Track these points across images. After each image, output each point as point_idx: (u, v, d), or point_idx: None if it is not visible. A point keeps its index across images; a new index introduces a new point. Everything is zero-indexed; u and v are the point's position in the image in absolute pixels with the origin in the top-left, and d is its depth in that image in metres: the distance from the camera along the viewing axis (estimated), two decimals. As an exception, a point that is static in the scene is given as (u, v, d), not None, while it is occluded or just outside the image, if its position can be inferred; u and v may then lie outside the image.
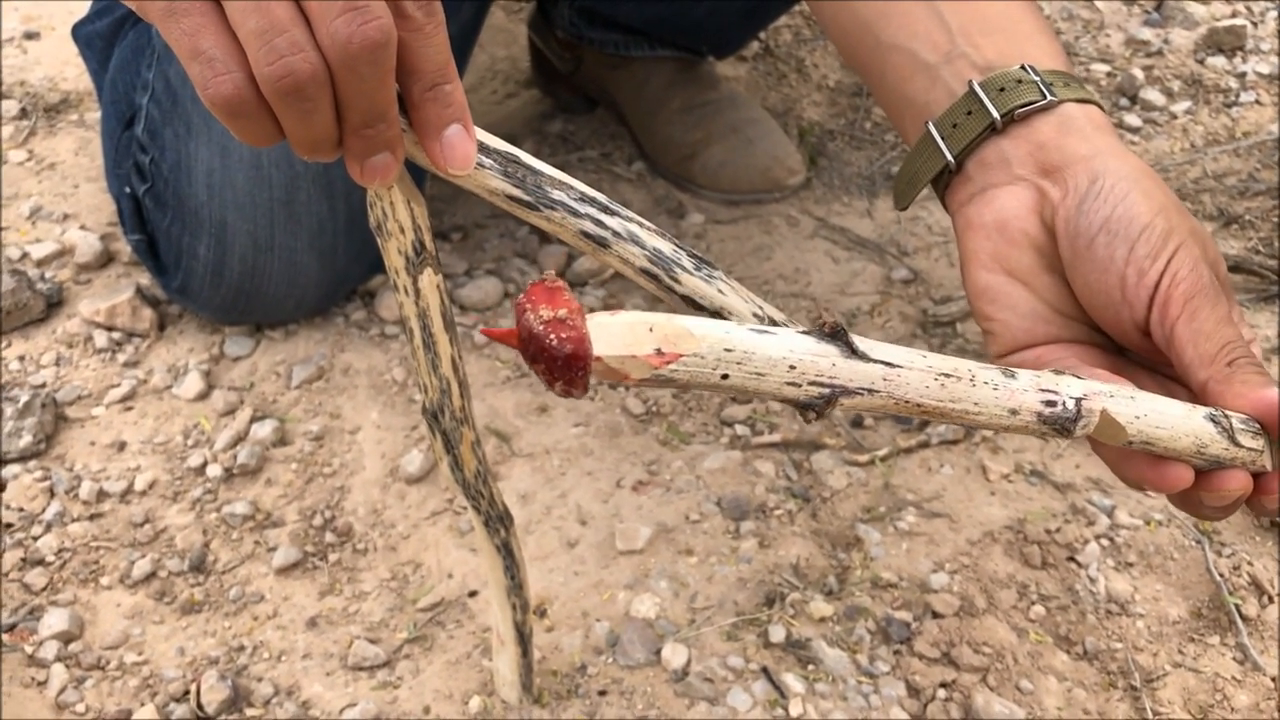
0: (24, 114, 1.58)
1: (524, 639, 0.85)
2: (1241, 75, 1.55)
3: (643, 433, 1.13)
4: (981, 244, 0.71)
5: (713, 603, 0.98)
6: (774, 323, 0.64)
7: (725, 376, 0.45)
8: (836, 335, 0.48)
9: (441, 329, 0.67)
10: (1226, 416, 0.58)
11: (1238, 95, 1.52)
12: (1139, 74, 1.57)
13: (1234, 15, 1.63)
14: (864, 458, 1.10)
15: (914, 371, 0.49)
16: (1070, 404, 0.53)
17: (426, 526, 1.05)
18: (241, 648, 0.96)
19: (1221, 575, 0.99)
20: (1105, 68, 1.62)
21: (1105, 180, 0.66)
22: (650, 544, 1.02)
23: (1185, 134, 1.50)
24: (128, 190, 1.23)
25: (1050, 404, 0.52)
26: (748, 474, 1.08)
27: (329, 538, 1.04)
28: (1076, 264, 0.66)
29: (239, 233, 1.16)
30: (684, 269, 0.60)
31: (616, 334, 0.43)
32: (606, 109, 1.58)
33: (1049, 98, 0.70)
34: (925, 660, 0.93)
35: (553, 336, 0.41)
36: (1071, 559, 1.00)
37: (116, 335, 1.24)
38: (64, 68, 1.68)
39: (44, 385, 1.18)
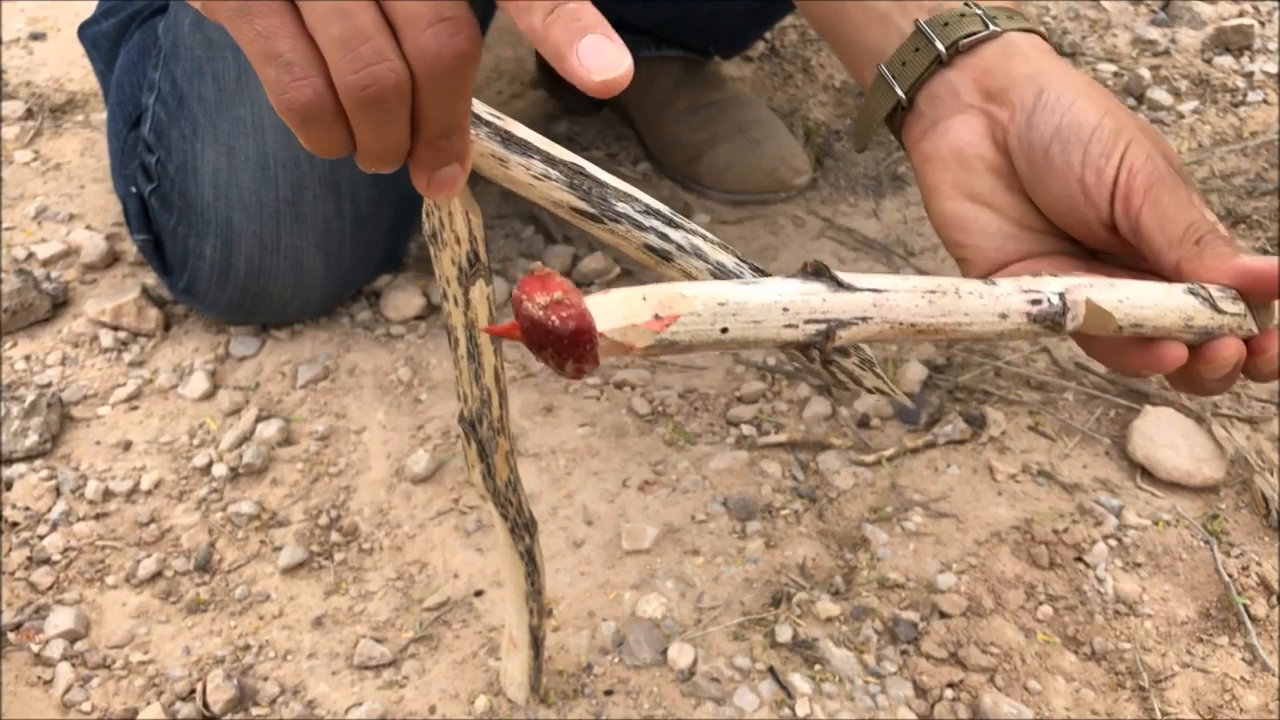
0: (30, 114, 1.58)
1: (538, 643, 0.86)
2: (1249, 75, 1.55)
3: (649, 433, 1.13)
4: (941, 175, 0.72)
5: (719, 603, 0.97)
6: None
7: (725, 330, 0.45)
8: (819, 273, 0.49)
9: (487, 340, 0.67)
10: (1204, 288, 0.59)
11: (1245, 95, 1.52)
12: (1146, 74, 1.56)
13: (1241, 15, 1.62)
14: (870, 458, 1.09)
15: (901, 293, 0.50)
16: (1055, 299, 0.54)
17: (432, 526, 1.05)
18: (247, 647, 0.95)
19: (1230, 576, 0.98)
20: (1112, 67, 1.61)
21: (1050, 93, 0.68)
22: (656, 544, 1.02)
23: (1193, 134, 1.49)
24: (134, 190, 1.23)
25: (1036, 302, 0.53)
26: (754, 474, 1.08)
27: (335, 537, 1.04)
28: (1035, 177, 0.68)
29: (245, 233, 1.16)
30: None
31: (614, 308, 0.44)
32: (612, 110, 1.58)
33: (992, 28, 0.72)
34: (932, 660, 0.93)
35: (554, 318, 0.42)
36: (1079, 559, 1.00)
37: (122, 335, 1.24)
38: (70, 69, 1.68)
39: (49, 385, 1.18)
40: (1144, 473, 1.07)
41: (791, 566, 1.00)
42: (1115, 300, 0.56)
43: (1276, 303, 0.62)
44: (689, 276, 0.60)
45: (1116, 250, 0.68)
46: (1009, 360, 1.18)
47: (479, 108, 0.58)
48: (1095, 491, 1.06)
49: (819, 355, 0.61)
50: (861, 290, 0.49)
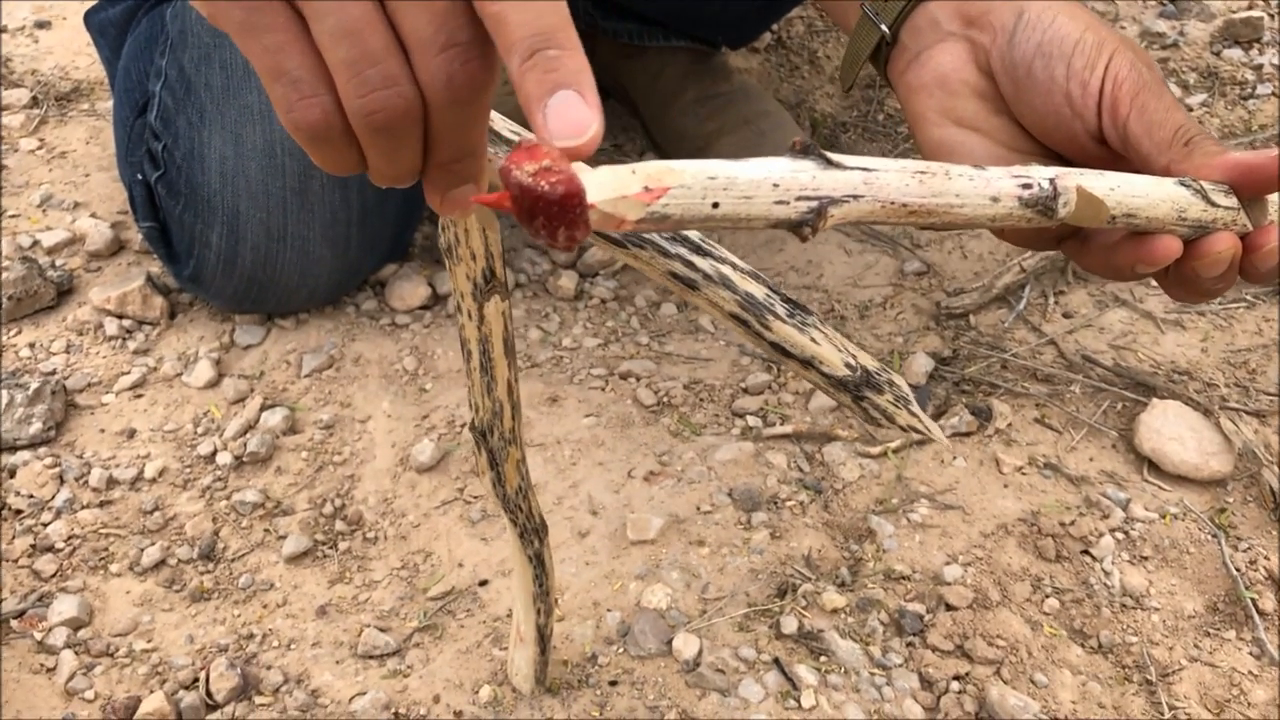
0: (35, 102, 1.58)
1: (544, 640, 0.85)
2: (1258, 67, 1.54)
3: (654, 424, 1.13)
4: (926, 103, 0.74)
5: (725, 593, 0.97)
6: (867, 371, 0.63)
7: (716, 205, 0.45)
8: (808, 151, 0.48)
9: (502, 354, 0.67)
10: (1196, 181, 0.60)
11: (1254, 87, 1.51)
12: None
13: (1251, 7, 1.61)
14: (876, 449, 1.09)
15: (891, 173, 0.49)
16: (1045, 184, 0.54)
17: (437, 516, 1.04)
18: (251, 636, 0.95)
19: (1238, 569, 0.98)
20: (1120, 61, 1.60)
21: (1029, 13, 0.69)
22: (662, 534, 1.02)
23: (1201, 126, 1.48)
24: (140, 177, 1.23)
25: (1026, 186, 0.53)
26: (760, 465, 1.08)
27: (339, 526, 1.04)
28: (1020, 96, 0.69)
29: (252, 221, 1.16)
30: (776, 315, 0.60)
31: (604, 180, 0.43)
32: (619, 100, 1.58)
33: None
34: (939, 653, 0.92)
35: (543, 184, 0.41)
36: (1086, 552, 0.99)
37: (127, 323, 1.24)
38: (75, 57, 1.67)
39: (54, 372, 1.17)
40: (1151, 466, 1.07)
41: (797, 558, 1.00)
42: (1106, 188, 0.56)
43: (1271, 200, 0.62)
44: (715, 305, 0.60)
45: (1105, 164, 0.67)
46: (1015, 353, 1.18)
47: (499, 123, 0.58)
48: (1102, 484, 1.05)
49: (850, 392, 0.60)
50: (851, 169, 0.48)
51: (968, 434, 1.10)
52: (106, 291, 1.26)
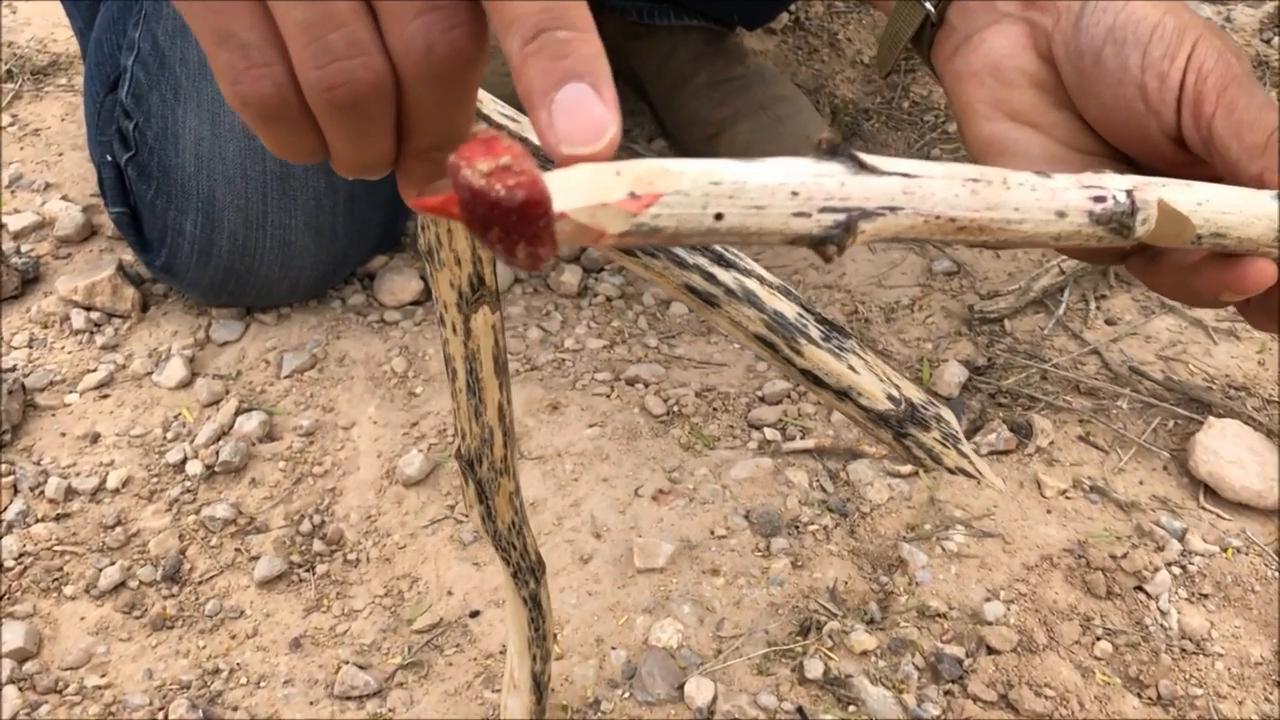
0: (10, 76, 1.48)
1: (540, 687, 0.76)
2: (1309, 58, 1.45)
3: (663, 435, 1.03)
4: (976, 93, 0.63)
5: (742, 631, 0.88)
6: (912, 405, 0.54)
7: (719, 216, 0.37)
8: (836, 151, 0.39)
9: (491, 374, 0.58)
10: None
11: (1307, 79, 1.42)
12: (1199, 55, 1.46)
13: (1301, -6, 1.52)
14: (906, 468, 1.00)
15: (937, 180, 0.41)
16: (1121, 196, 0.45)
17: (425, 536, 0.95)
18: (217, 671, 0.86)
19: (1306, 610, 0.89)
20: (1161, 48, 1.51)
21: None
22: (672, 562, 0.92)
23: None
24: (109, 159, 1.13)
25: (1099, 199, 0.44)
26: (779, 484, 0.99)
27: (317, 546, 0.94)
28: (1086, 87, 0.59)
29: (229, 208, 1.07)
30: (809, 338, 0.51)
31: (579, 184, 0.35)
32: (626, 82, 1.48)
33: None
34: (980, 703, 0.83)
35: (499, 186, 0.33)
36: (1140, 589, 0.90)
37: (95, 315, 1.14)
38: (54, 29, 1.58)
39: (14, 369, 1.08)
40: (1208, 491, 0.98)
41: (821, 590, 0.91)
42: (1193, 202, 0.47)
43: None
44: (737, 325, 0.51)
45: (1182, 168, 0.58)
46: (1056, 363, 1.08)
47: (489, 105, 0.49)
48: (1154, 511, 0.96)
49: (892, 428, 0.52)
50: (889, 174, 0.40)
51: (1006, 452, 1.01)
52: (74, 281, 1.16)
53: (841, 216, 0.39)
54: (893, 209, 0.40)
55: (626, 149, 1.39)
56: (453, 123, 0.41)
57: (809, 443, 1.02)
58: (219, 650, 0.88)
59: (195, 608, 0.91)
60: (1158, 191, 0.47)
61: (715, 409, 1.06)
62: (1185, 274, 0.54)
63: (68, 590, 0.91)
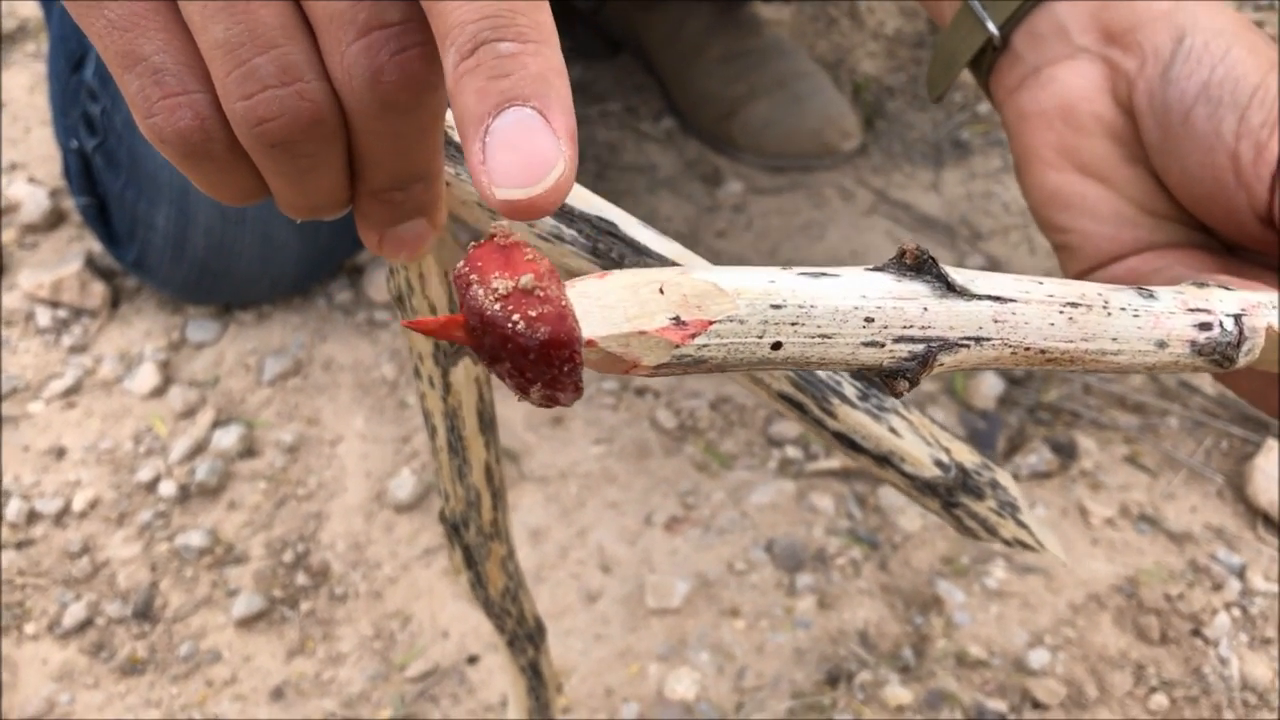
0: (-28, 43, 1.39)
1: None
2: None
3: (676, 453, 0.95)
4: (1043, 137, 0.55)
5: (765, 681, 0.81)
6: (964, 471, 0.47)
7: (777, 346, 0.31)
8: (923, 267, 0.33)
9: (476, 431, 0.50)
10: None
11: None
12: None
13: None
14: (940, 492, 0.92)
15: (1032, 305, 0.35)
16: (1229, 324, 0.39)
17: (418, 568, 0.87)
18: (190, 725, 0.79)
19: (1377, 657, 0.82)
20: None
21: (1195, 37, 0.51)
22: (688, 602, 0.85)
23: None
24: (75, 145, 1.05)
25: (1205, 326, 0.39)
26: (803, 510, 0.91)
27: (301, 579, 0.87)
28: (1170, 146, 0.51)
29: (204, 200, 0.99)
30: (843, 397, 0.43)
31: (613, 303, 0.29)
32: (633, 55, 1.39)
33: None
34: (1028, 770, 0.76)
35: (517, 318, 0.27)
36: (1197, 633, 0.83)
37: (62, 313, 1.06)
38: (20, -9, 1.48)
39: (-28, 375, 1.00)
40: (1266, 521, 0.90)
41: (851, 633, 0.83)
42: None
43: None
44: (758, 384, 0.43)
45: (1265, 247, 0.52)
46: (1100, 374, 1.00)
47: None
48: (1209, 544, 0.89)
49: (941, 498, 0.44)
50: (980, 298, 0.33)
51: (1047, 475, 0.93)
52: (39, 275, 1.08)
53: (920, 348, 0.33)
54: (979, 340, 0.34)
55: (630, 129, 1.30)
56: (412, 159, 0.34)
57: (834, 462, 0.94)
58: (194, 699, 0.80)
59: (168, 649, 0.83)
60: (1268, 317, 0.40)
61: (731, 422, 0.98)
62: (1268, 385, 0.49)
63: (29, 629, 0.84)
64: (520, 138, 0.28)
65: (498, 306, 0.27)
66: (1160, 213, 0.54)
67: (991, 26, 0.57)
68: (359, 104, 0.31)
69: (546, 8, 0.30)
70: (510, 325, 0.27)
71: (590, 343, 0.28)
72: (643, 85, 1.36)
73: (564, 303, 0.28)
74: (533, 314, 0.27)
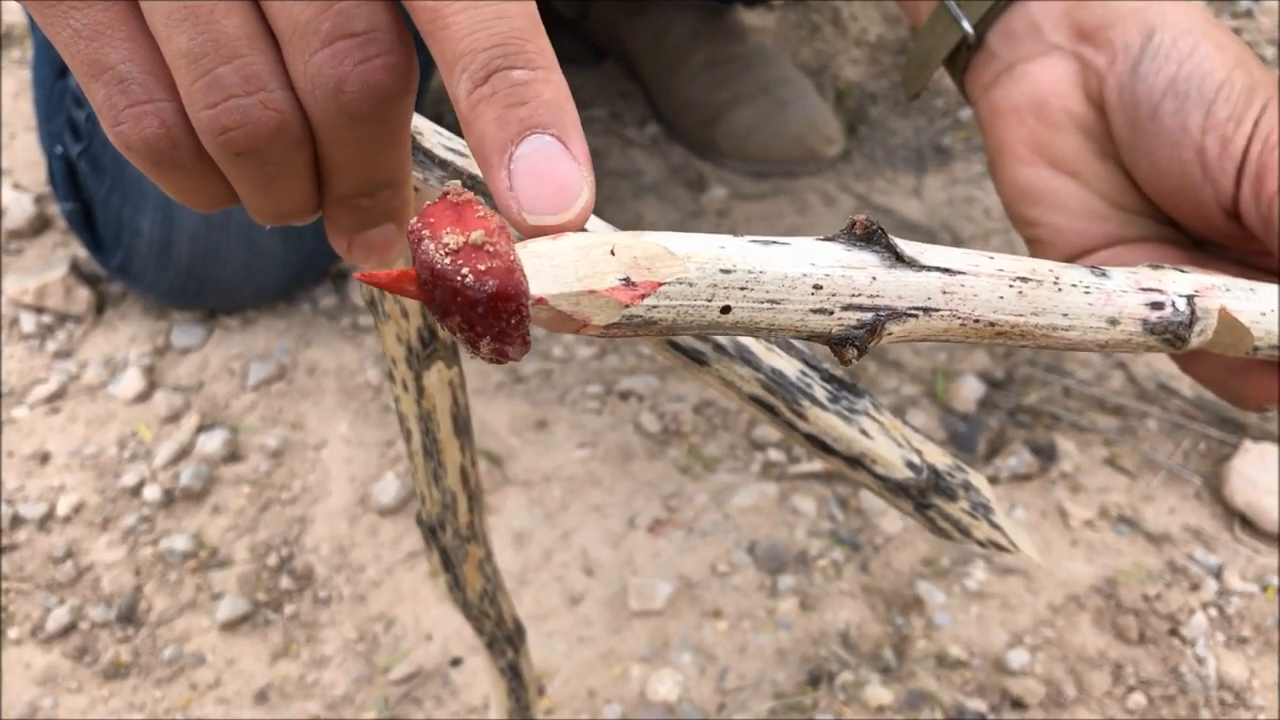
0: (-43, 50, 1.39)
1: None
2: (1337, 40, 1.37)
3: (659, 457, 0.96)
4: (1015, 132, 0.57)
5: (747, 682, 0.81)
6: (936, 472, 0.47)
7: (726, 310, 0.32)
8: (872, 238, 0.34)
9: (450, 435, 0.51)
10: None
11: (1335, 64, 1.34)
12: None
13: (1327, -29, 1.44)
14: (921, 494, 0.93)
15: (982, 278, 0.36)
16: (1181, 304, 0.40)
17: (402, 571, 0.88)
18: (174, 728, 0.79)
19: (1353, 656, 0.83)
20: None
21: (1164, 34, 0.52)
22: (670, 603, 0.85)
23: None
24: (60, 150, 1.05)
25: (1156, 305, 0.40)
26: (785, 513, 0.91)
27: (285, 583, 0.87)
28: (1139, 141, 0.53)
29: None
30: (814, 400, 0.43)
31: (564, 263, 0.30)
32: (617, 61, 1.40)
33: None
34: (1007, 768, 0.77)
35: (466, 271, 0.28)
36: (1174, 632, 0.84)
37: (47, 319, 1.07)
38: (4, -3, 1.49)
39: (-43, 381, 1.00)
40: (1244, 522, 0.91)
41: (832, 634, 0.84)
42: (1257, 313, 0.42)
43: None
44: (729, 385, 0.43)
45: (1231, 241, 0.53)
46: (1080, 377, 1.01)
47: (432, 137, 0.41)
48: (1187, 544, 0.89)
49: (913, 499, 0.45)
50: (929, 269, 0.34)
51: (1027, 477, 0.94)
52: (24, 281, 1.08)
53: (868, 316, 0.33)
54: (927, 310, 0.34)
55: (615, 135, 1.31)
56: (379, 166, 0.35)
57: (816, 465, 0.95)
58: (177, 703, 0.80)
59: (152, 653, 0.83)
60: (1221, 298, 0.41)
61: (715, 426, 0.99)
62: (1228, 374, 0.50)
63: (12, 633, 0.84)
64: (544, 166, 0.30)
65: (448, 260, 0.28)
66: (1130, 207, 0.55)
67: (966, 25, 0.58)
68: (323, 113, 0.32)
69: (545, 33, 0.31)
70: (460, 278, 0.28)
71: (541, 300, 0.29)
72: (627, 91, 1.37)
73: (512, 258, 0.28)
74: (481, 268, 0.28)
